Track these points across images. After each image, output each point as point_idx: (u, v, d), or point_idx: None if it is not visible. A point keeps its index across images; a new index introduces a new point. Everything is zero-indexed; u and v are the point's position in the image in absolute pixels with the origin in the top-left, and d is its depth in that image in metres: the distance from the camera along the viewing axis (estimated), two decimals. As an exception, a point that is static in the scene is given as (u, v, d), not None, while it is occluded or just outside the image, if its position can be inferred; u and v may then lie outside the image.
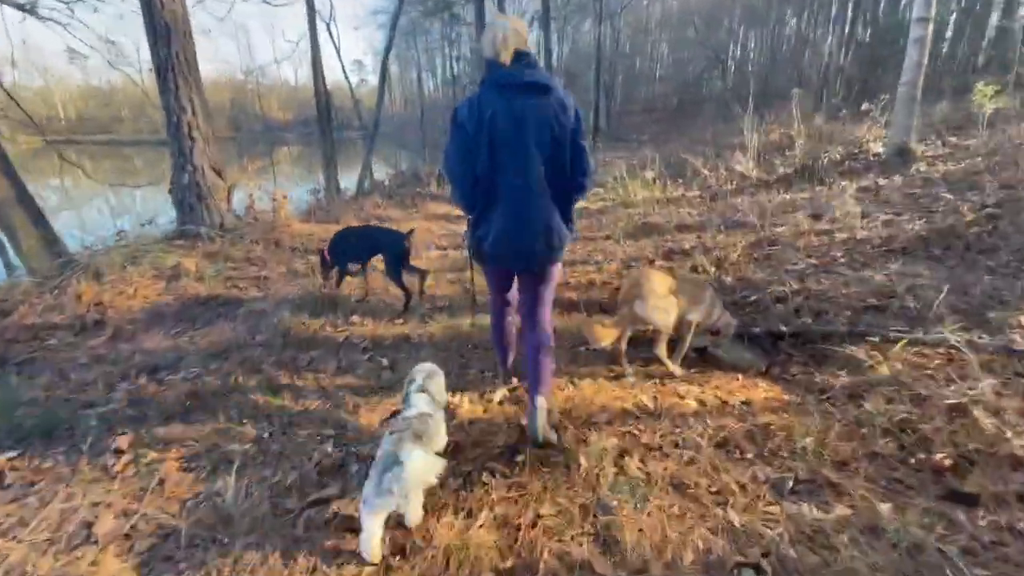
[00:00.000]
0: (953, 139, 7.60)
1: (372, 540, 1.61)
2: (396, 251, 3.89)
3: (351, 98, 14.43)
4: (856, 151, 7.61)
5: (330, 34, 12.59)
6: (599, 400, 2.55)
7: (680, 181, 8.03)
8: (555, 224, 2.05)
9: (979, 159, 6.35)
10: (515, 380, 2.68)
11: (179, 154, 5.35)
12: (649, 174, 7.86)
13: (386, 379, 2.86)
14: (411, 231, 4.12)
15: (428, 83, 45.39)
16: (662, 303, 2.72)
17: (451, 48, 32.61)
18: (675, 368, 2.79)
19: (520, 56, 1.94)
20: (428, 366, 2.13)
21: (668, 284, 2.80)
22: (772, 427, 2.26)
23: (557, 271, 2.26)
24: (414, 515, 1.72)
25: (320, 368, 2.99)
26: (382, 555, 1.64)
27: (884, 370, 2.47)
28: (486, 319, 2.68)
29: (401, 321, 3.67)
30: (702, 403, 2.53)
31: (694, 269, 4.37)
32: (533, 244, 2.04)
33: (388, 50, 9.80)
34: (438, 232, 6.69)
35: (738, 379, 2.78)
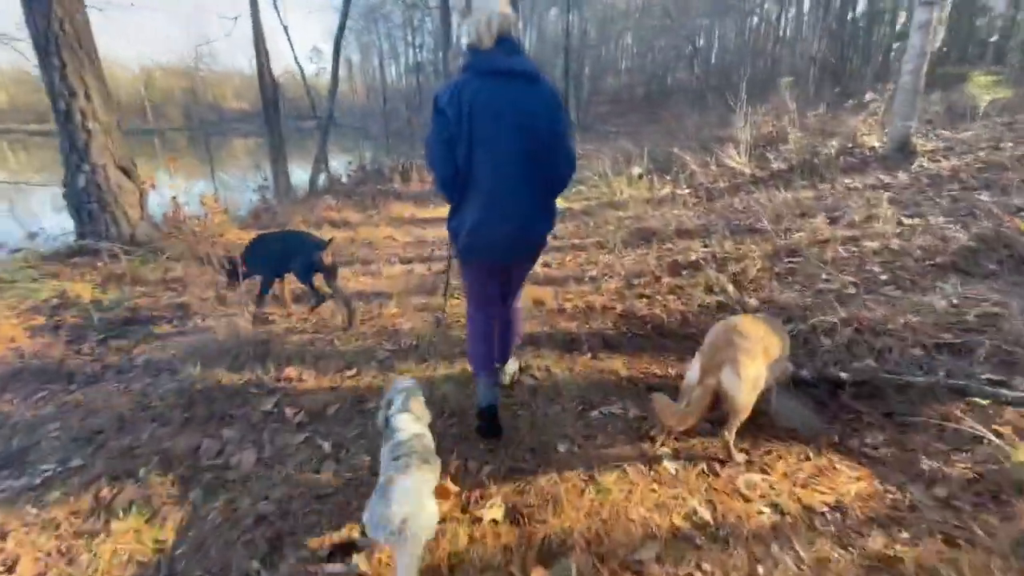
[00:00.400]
0: (946, 132, 7.19)
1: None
2: (306, 263, 3.21)
3: (303, 85, 13.02)
4: (851, 145, 7.10)
5: (276, 11, 11.19)
6: (636, 512, 1.76)
7: (667, 177, 7.35)
8: (536, 215, 1.98)
9: (981, 152, 5.92)
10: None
11: (71, 150, 4.25)
12: (636, 170, 7.14)
13: (327, 477, 1.99)
14: (330, 240, 3.30)
15: (391, 71, 43.66)
16: (756, 371, 1.92)
17: (413, 35, 31.11)
18: (737, 455, 2.04)
19: (503, 41, 1.81)
20: (406, 382, 1.90)
21: (761, 340, 1.99)
22: (893, 558, 1.54)
23: (534, 262, 2.24)
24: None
25: (229, 463, 2.09)
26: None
27: (1021, 456, 1.79)
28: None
29: (353, 373, 2.78)
30: (777, 508, 1.79)
31: (708, 289, 3.66)
32: (513, 235, 1.95)
33: (341, 29, 8.68)
34: (402, 240, 5.76)
35: (807, 457, 2.06)
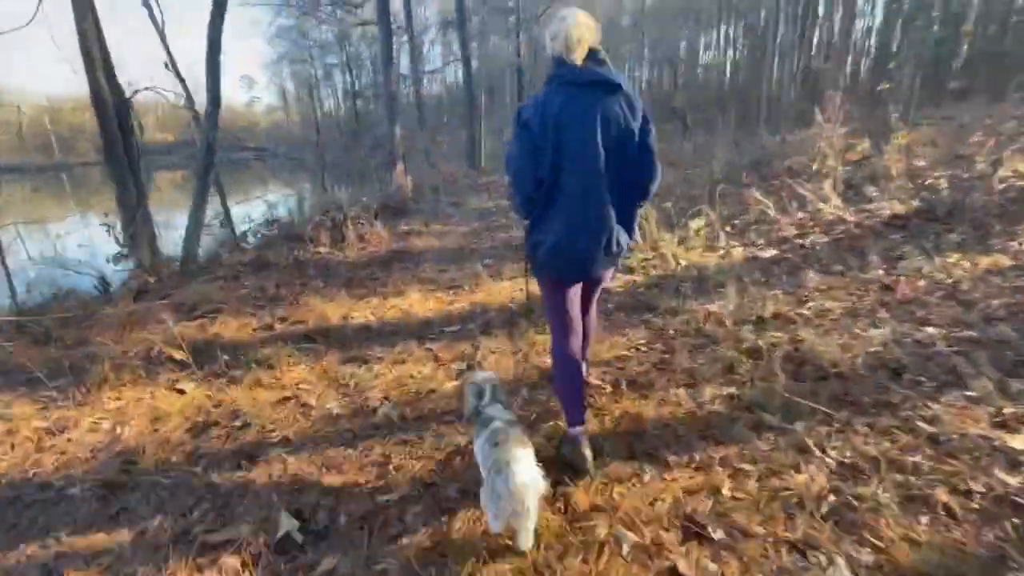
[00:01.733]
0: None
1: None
2: None
3: (184, 112, 9.58)
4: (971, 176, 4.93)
5: (154, 23, 8.03)
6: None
7: (730, 227, 4.91)
8: (616, 230, 1.85)
9: None
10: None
11: None
12: (696, 223, 4.61)
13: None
14: None
15: (329, 100, 40.37)
16: None
17: (348, 62, 27.85)
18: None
19: (591, 53, 1.74)
20: (488, 374, 1.93)
21: None
22: None
23: (611, 275, 2.18)
24: (528, 536, 1.57)
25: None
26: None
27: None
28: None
29: None
30: None
31: None
32: (593, 250, 1.84)
33: (213, 46, 5.74)
34: (319, 403, 2.89)
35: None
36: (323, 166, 18.72)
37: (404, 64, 24.66)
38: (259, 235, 7.11)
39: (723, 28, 26.84)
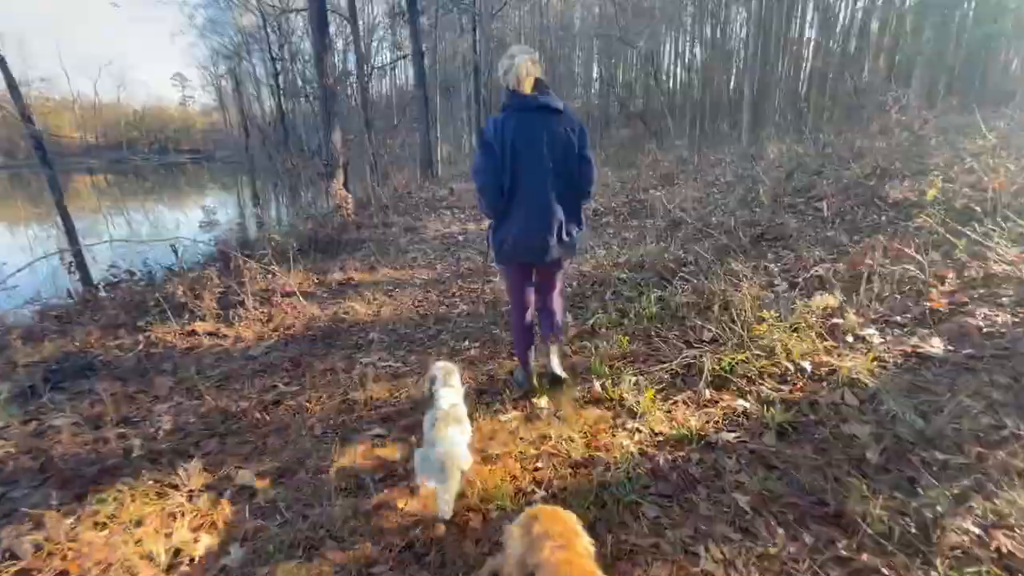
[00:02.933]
0: None
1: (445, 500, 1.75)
2: None
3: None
4: None
5: None
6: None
7: (862, 298, 3.08)
8: (566, 223, 2.26)
9: None
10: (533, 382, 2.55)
11: None
12: (820, 301, 2.73)
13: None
14: None
15: (268, 100, 36.70)
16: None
17: (272, 56, 24.38)
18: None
19: (537, 82, 2.15)
20: (445, 364, 2.17)
21: None
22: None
23: (567, 264, 2.52)
24: (449, 503, 1.76)
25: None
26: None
27: None
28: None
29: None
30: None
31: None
32: (548, 240, 2.22)
33: None
34: None
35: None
36: (252, 175, 15.88)
37: (350, 61, 21.98)
38: (117, 280, 4.70)
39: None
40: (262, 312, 3.80)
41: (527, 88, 2.11)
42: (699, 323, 3.02)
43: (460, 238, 6.73)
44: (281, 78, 21.56)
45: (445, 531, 1.74)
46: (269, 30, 20.43)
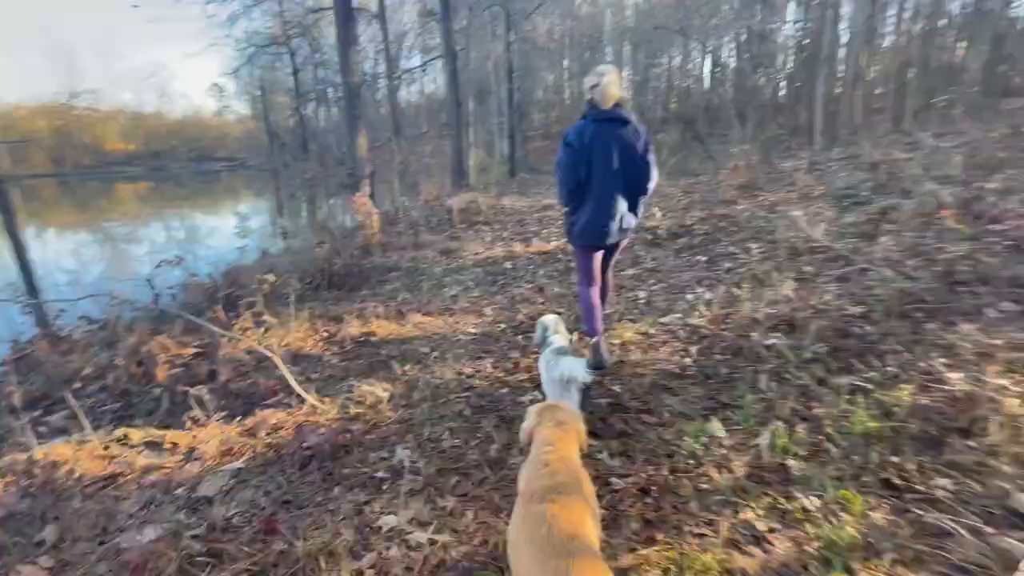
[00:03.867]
0: None
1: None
2: None
3: None
4: None
5: None
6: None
7: None
8: (627, 215, 2.63)
9: None
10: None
11: None
12: None
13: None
14: None
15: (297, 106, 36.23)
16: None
17: (292, 55, 23.16)
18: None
19: (616, 101, 2.51)
20: (554, 316, 2.63)
21: None
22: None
23: (624, 244, 2.88)
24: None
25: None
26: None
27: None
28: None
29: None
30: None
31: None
32: (611, 227, 2.60)
33: None
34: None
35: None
36: (277, 185, 14.94)
37: (380, 66, 20.91)
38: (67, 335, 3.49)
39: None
40: (234, 404, 2.49)
41: (607, 105, 2.48)
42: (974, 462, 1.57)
43: (507, 265, 5.35)
44: (300, 77, 20.68)
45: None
46: (290, 30, 19.59)
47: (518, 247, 6.05)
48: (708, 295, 3.64)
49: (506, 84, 18.81)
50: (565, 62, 32.94)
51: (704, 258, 4.75)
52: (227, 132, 56.57)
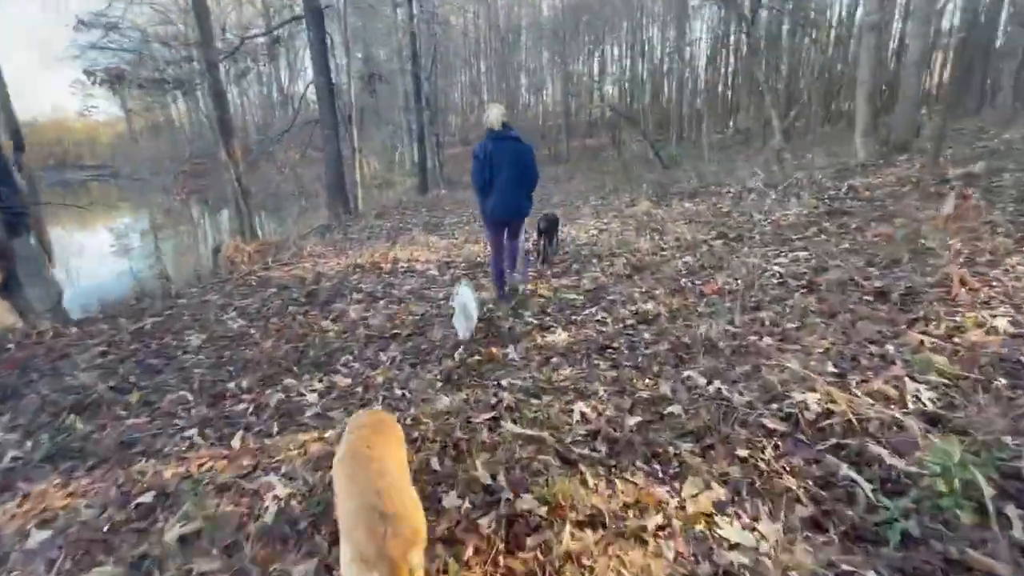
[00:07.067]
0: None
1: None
2: None
3: None
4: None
5: None
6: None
7: None
8: (523, 200, 3.74)
9: None
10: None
11: None
12: None
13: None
14: None
15: (178, 105, 29.33)
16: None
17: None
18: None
19: (504, 124, 3.57)
20: (464, 281, 3.57)
21: None
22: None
23: (524, 220, 3.93)
24: (470, 329, 3.13)
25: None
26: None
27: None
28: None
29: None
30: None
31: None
32: (513, 209, 3.70)
33: None
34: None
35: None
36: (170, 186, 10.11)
37: (487, 125, 15.44)
38: None
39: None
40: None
41: (498, 127, 3.54)
42: None
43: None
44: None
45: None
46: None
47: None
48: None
49: (411, 69, 14.62)
50: (482, 64, 29.63)
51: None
52: (95, 136, 46.18)
